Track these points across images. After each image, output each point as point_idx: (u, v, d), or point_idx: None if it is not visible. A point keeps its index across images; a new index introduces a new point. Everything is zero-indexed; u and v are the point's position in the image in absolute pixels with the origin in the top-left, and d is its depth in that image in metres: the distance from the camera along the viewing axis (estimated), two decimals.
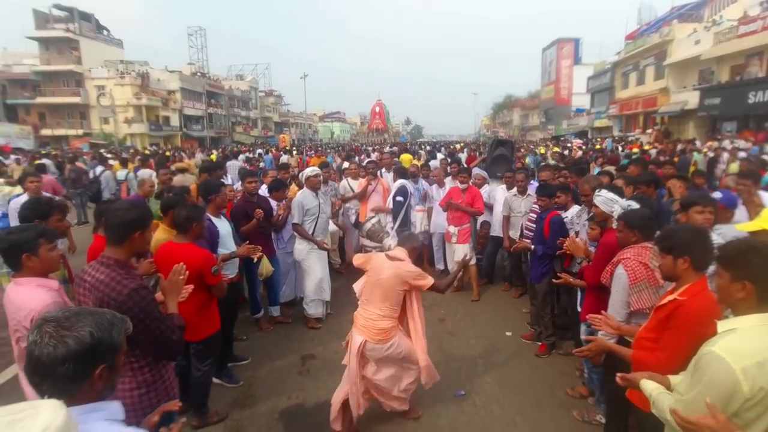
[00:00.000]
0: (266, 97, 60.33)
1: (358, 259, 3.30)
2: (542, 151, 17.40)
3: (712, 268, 1.94)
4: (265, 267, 4.53)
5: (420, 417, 3.44)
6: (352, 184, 6.80)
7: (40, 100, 35.38)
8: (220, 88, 48.79)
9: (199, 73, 47.79)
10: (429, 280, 3.08)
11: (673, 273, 2.06)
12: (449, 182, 6.60)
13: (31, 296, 2.10)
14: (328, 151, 21.11)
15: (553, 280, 3.85)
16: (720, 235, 2.81)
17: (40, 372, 1.11)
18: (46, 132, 34.99)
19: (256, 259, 4.22)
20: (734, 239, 1.80)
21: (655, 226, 2.80)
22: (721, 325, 1.61)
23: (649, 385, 1.79)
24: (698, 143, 17.02)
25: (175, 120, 41.02)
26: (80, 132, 35.27)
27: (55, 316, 1.17)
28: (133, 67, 38.70)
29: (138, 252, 2.15)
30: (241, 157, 16.04)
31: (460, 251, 5.72)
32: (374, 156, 11.44)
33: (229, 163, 12.30)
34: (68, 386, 1.12)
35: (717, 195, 3.40)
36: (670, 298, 2.06)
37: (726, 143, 15.69)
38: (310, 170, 5.13)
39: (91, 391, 1.16)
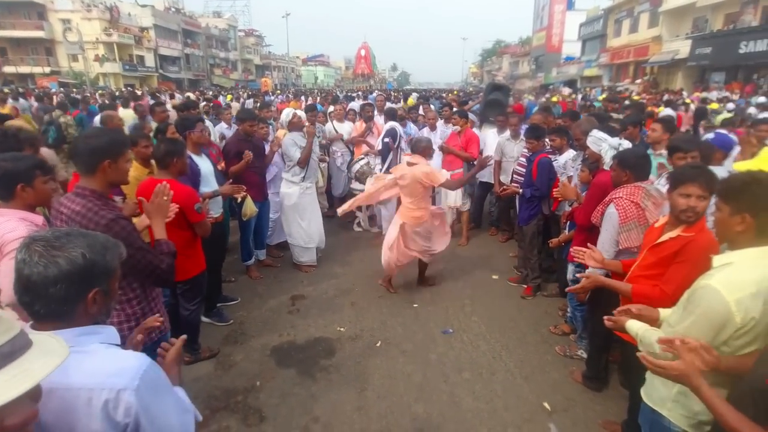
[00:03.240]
0: (246, 37, 57.20)
1: (395, 172, 4.24)
2: (555, 99, 16.41)
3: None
4: (249, 207, 4.41)
5: (435, 285, 4.73)
6: (337, 127, 6.61)
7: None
8: (197, 27, 45.96)
9: (173, 9, 44.73)
10: (441, 177, 4.05)
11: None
12: (441, 126, 6.46)
13: (9, 228, 2.00)
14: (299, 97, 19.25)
15: (549, 243, 3.98)
16: None
17: (31, 292, 1.06)
18: (9, 69, 32.78)
19: (240, 199, 4.14)
20: (735, 173, 1.79)
21: (648, 167, 2.80)
22: (717, 260, 1.62)
23: (635, 325, 1.83)
24: (685, 94, 16.95)
25: (150, 60, 38.88)
26: (47, 70, 33.17)
27: (44, 236, 1.10)
28: None
29: (114, 183, 2.03)
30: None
31: (453, 196, 5.69)
32: (356, 103, 10.82)
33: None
34: (61, 308, 1.08)
35: (709, 136, 3.40)
36: (671, 235, 2.09)
37: (713, 94, 15.67)
38: (285, 114, 4.90)
39: (85, 315, 1.12)
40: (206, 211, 3.32)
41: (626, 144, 3.39)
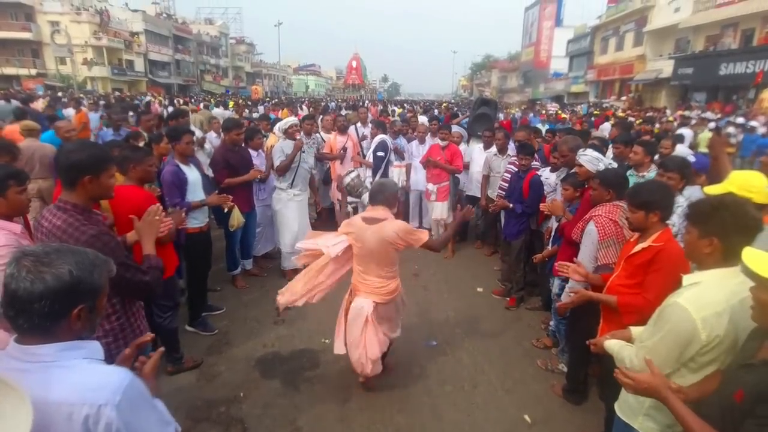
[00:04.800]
0: (237, 44, 57.23)
1: (342, 228, 3.02)
2: (562, 115, 15.52)
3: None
4: (236, 218, 4.41)
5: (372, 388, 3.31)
6: (325, 138, 6.62)
7: None
8: (188, 33, 45.90)
9: (164, 14, 44.68)
10: (422, 236, 2.88)
11: (644, 225, 2.24)
12: (429, 140, 6.56)
13: None
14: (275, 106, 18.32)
15: (533, 259, 4.00)
16: (687, 197, 2.94)
17: (16, 306, 1.07)
18: None
19: (226, 209, 4.15)
20: (704, 197, 1.88)
21: (627, 186, 2.90)
22: (686, 279, 1.70)
23: (611, 343, 1.93)
24: (668, 112, 17.41)
25: (139, 65, 38.66)
26: (33, 72, 32.72)
27: (34, 251, 1.11)
28: (91, 2, 35.81)
29: (95, 198, 2.01)
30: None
31: (439, 209, 5.77)
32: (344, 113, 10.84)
33: None
34: (44, 323, 1.09)
35: (691, 158, 3.52)
36: (643, 245, 2.22)
37: (695, 113, 16.12)
38: (284, 123, 5.00)
39: (69, 330, 1.13)
40: (184, 220, 3.33)
41: (614, 164, 3.51)
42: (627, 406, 1.86)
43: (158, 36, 41.00)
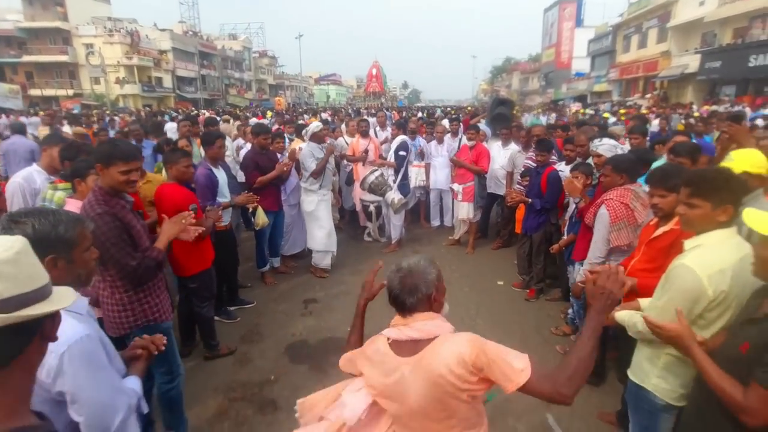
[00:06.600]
0: (260, 58, 58.76)
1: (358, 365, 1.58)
2: (606, 115, 14.32)
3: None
4: (261, 217, 4.64)
5: None
6: (349, 142, 6.84)
7: (26, 58, 34.35)
8: (213, 49, 47.46)
9: (190, 32, 46.37)
10: (519, 364, 1.36)
11: (674, 208, 2.22)
12: (448, 140, 6.71)
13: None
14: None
15: (550, 249, 4.13)
16: None
17: None
18: (34, 92, 34.20)
19: (251, 209, 4.40)
20: (700, 170, 1.97)
21: (639, 170, 2.99)
22: (688, 243, 1.81)
23: (621, 313, 2.05)
24: (695, 107, 17.00)
25: (167, 81, 40.21)
26: (70, 92, 34.52)
27: (12, 213, 1.32)
28: (122, 25, 37.52)
29: (113, 186, 2.20)
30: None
31: (465, 209, 5.88)
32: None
33: None
34: None
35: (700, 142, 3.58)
36: (664, 229, 2.27)
37: (724, 107, 15.70)
38: (315, 126, 5.22)
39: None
40: (220, 217, 3.68)
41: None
42: (640, 369, 1.97)
43: (185, 53, 42.56)
